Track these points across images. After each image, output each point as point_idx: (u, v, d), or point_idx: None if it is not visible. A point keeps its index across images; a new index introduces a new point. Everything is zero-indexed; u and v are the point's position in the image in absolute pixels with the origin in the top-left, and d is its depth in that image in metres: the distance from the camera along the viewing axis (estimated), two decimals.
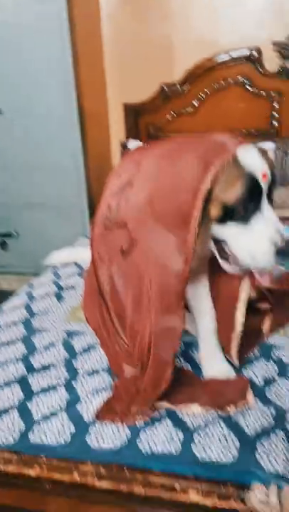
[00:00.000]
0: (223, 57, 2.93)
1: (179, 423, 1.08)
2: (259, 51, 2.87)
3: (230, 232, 1.10)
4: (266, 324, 1.48)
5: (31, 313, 1.65)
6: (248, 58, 2.90)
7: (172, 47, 3.10)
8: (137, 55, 3.19)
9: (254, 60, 2.89)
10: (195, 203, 1.03)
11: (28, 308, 1.69)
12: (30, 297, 1.79)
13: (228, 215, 1.07)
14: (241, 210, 1.06)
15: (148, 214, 1.11)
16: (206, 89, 3.02)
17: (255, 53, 2.87)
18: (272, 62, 2.90)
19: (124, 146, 3.06)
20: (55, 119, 2.90)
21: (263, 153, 1.11)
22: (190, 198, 1.03)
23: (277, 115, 2.95)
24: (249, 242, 1.09)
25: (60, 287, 1.85)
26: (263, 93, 2.93)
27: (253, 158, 1.07)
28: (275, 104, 2.94)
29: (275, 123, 2.98)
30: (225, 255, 1.16)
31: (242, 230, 1.08)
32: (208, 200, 1.05)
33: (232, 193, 1.04)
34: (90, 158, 3.07)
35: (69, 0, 2.69)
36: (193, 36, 3.03)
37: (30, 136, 2.97)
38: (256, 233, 1.08)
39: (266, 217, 1.08)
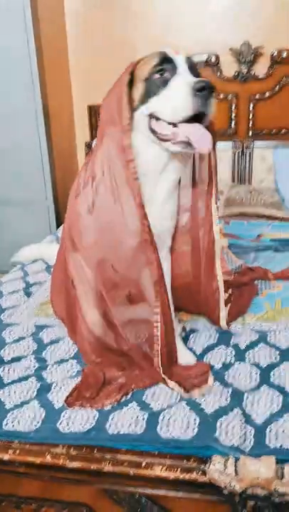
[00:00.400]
0: None
1: (144, 406, 1.16)
2: (217, 57, 2.99)
3: (155, 104, 1.18)
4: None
5: (0, 310, 1.69)
6: (207, 63, 3.01)
7: (135, 49, 3.17)
8: (100, 56, 3.25)
9: (212, 64, 3.01)
10: (121, 90, 1.16)
11: None
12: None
13: (150, 90, 1.17)
14: (157, 79, 1.16)
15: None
16: None
17: (213, 58, 2.99)
18: (229, 66, 3.03)
19: (88, 146, 3.12)
20: (21, 119, 2.92)
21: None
22: (118, 90, 1.17)
23: (234, 117, 3.08)
24: (169, 97, 1.15)
25: (28, 283, 1.89)
26: (222, 95, 3.05)
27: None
28: (233, 107, 3.07)
29: (233, 124, 3.10)
30: (164, 137, 1.20)
31: (163, 93, 1.16)
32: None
33: (146, 68, 1.18)
34: (56, 157, 3.11)
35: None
36: (155, 39, 3.11)
37: None
38: (174, 88, 1.14)
39: (182, 75, 1.15)
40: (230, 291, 1.69)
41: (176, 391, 1.20)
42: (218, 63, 3.03)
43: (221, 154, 3.17)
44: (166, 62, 1.16)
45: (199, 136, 1.14)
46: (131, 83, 1.19)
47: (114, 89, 1.21)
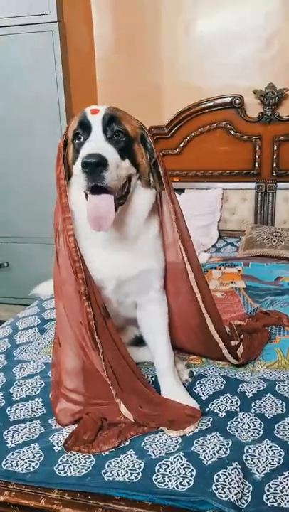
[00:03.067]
0: (208, 104, 3.12)
1: (142, 454, 1.16)
2: (241, 98, 3.06)
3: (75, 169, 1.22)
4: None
5: (14, 346, 1.73)
6: (231, 105, 3.08)
7: (161, 92, 3.29)
8: (127, 98, 3.38)
9: (236, 106, 3.08)
10: (58, 151, 1.26)
11: (11, 340, 1.78)
12: (15, 329, 1.88)
13: (75, 154, 1.22)
14: (76, 143, 1.21)
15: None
16: (191, 133, 3.19)
17: (237, 100, 3.06)
18: (253, 108, 3.09)
19: None
20: (47, 162, 3.01)
21: (112, 107, 1.26)
22: (57, 151, 1.26)
23: (258, 158, 3.11)
24: (76, 168, 1.20)
25: (43, 320, 1.94)
26: (245, 137, 3.10)
27: (93, 106, 1.24)
28: (257, 148, 3.10)
29: (257, 165, 3.14)
30: None
31: (77, 161, 1.19)
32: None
33: (70, 131, 1.24)
34: None
35: (63, 42, 2.85)
36: (180, 83, 3.22)
37: (22, 173, 3.13)
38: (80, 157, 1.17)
39: (90, 141, 1.18)
40: (241, 336, 1.69)
41: (127, 417, 1.25)
42: (242, 105, 3.10)
43: (244, 195, 3.25)
44: (82, 124, 1.21)
45: (94, 215, 1.17)
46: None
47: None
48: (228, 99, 3.07)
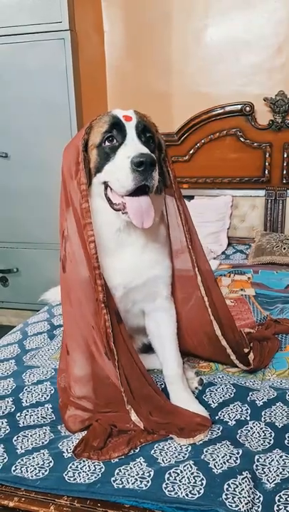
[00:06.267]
0: (218, 111, 3.12)
1: (152, 461, 1.15)
2: (251, 106, 3.06)
3: (106, 173, 1.22)
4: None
5: (24, 351, 1.74)
6: (241, 112, 3.09)
7: (171, 99, 3.30)
8: (137, 105, 3.40)
9: (247, 113, 3.08)
10: (78, 154, 1.22)
11: (21, 345, 1.79)
12: (25, 334, 1.88)
13: (102, 158, 1.21)
14: (106, 146, 1.20)
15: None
16: (201, 139, 3.20)
17: (247, 108, 3.07)
18: (263, 116, 3.09)
19: None
20: (57, 167, 3.01)
21: (138, 112, 1.26)
22: (74, 152, 1.23)
23: (268, 165, 3.11)
24: (115, 168, 1.19)
25: (52, 326, 1.94)
26: (255, 144, 3.10)
27: (118, 110, 1.25)
28: (267, 155, 3.10)
29: (267, 172, 3.13)
30: (116, 206, 1.24)
31: (111, 163, 1.19)
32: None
33: (98, 134, 1.22)
34: None
35: (75, 49, 2.87)
36: (190, 90, 3.24)
37: (33, 179, 3.14)
38: (118, 159, 1.18)
39: (128, 145, 1.18)
40: (251, 344, 1.68)
41: (136, 423, 1.25)
42: (252, 112, 3.10)
43: (253, 202, 3.24)
44: (115, 128, 1.20)
45: (138, 212, 1.18)
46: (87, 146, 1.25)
47: (69, 151, 1.26)
48: (239, 107, 3.08)
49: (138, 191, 1.18)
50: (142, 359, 1.44)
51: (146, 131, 1.23)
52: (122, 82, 3.38)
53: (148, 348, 1.57)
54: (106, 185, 1.24)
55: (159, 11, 3.22)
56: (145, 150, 1.16)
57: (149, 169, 1.13)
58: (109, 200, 1.24)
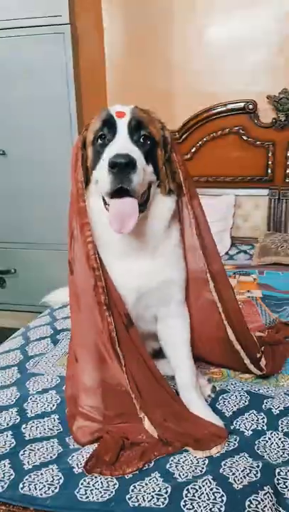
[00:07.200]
0: (221, 109, 3.07)
1: (167, 477, 1.09)
2: (254, 104, 3.01)
3: (97, 171, 1.17)
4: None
5: (26, 358, 1.67)
6: (244, 110, 3.03)
7: (172, 97, 3.24)
8: (138, 103, 3.34)
9: (250, 111, 3.03)
10: (76, 149, 1.21)
11: (23, 351, 1.72)
12: (27, 340, 1.81)
13: (96, 155, 1.16)
14: (99, 144, 1.15)
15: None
16: (203, 138, 3.14)
17: (250, 106, 3.01)
18: (266, 114, 3.04)
19: None
20: (57, 165, 2.97)
21: (136, 108, 1.21)
22: (74, 149, 1.22)
23: (271, 164, 3.06)
24: (99, 168, 1.14)
25: (56, 330, 1.87)
26: (258, 143, 3.04)
27: (118, 105, 1.19)
28: (269, 154, 3.05)
29: (270, 171, 3.08)
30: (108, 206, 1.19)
31: (101, 162, 1.14)
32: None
33: (92, 131, 1.17)
34: None
35: (75, 44, 2.81)
36: (192, 88, 3.18)
37: (32, 179, 3.07)
38: (103, 157, 1.13)
39: (115, 143, 1.12)
40: (262, 348, 1.62)
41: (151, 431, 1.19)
42: (255, 110, 3.05)
43: (256, 201, 3.18)
44: (106, 125, 1.15)
45: (117, 216, 1.11)
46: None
47: (73, 147, 1.24)
48: (241, 105, 3.02)
49: (123, 193, 1.11)
50: None
51: (141, 128, 1.16)
52: (122, 79, 3.32)
53: (158, 354, 1.51)
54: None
55: (161, 8, 3.16)
56: (125, 150, 1.09)
57: (124, 171, 1.06)
58: (103, 199, 1.19)
